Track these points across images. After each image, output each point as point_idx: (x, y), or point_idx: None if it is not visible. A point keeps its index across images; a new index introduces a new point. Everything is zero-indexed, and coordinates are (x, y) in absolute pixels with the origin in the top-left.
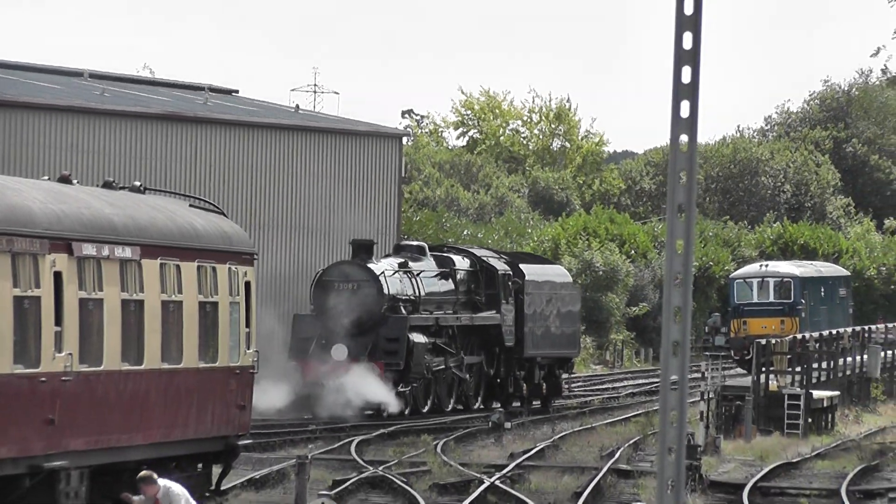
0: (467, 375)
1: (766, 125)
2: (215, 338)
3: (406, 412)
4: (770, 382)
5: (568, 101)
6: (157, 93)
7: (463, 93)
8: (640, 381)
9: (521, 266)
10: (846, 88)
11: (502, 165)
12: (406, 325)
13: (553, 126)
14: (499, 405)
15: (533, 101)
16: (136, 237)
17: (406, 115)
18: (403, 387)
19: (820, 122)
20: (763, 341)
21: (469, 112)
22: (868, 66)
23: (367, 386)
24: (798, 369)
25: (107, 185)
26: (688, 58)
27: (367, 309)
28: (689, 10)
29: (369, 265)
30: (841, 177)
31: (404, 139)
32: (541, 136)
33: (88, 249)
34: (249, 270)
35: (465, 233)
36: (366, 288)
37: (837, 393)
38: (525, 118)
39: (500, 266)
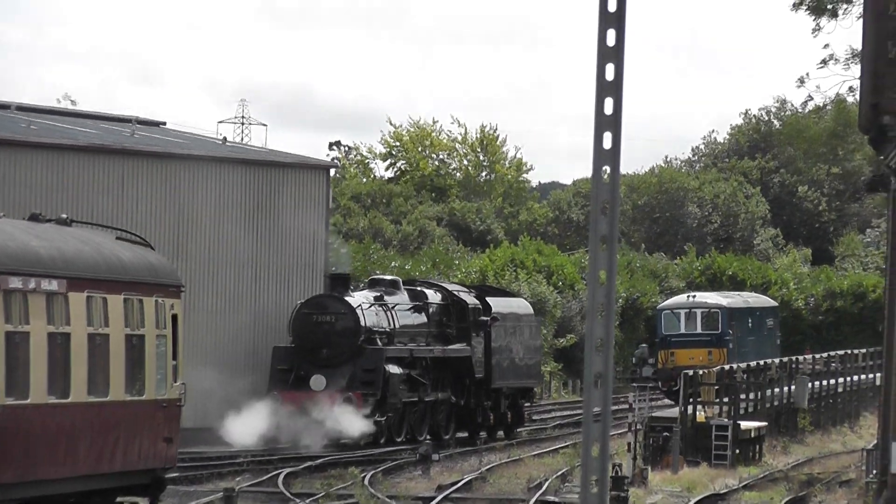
0: (439, 399)
1: (694, 156)
2: (142, 371)
3: (382, 441)
4: (697, 413)
5: (495, 130)
6: (84, 125)
7: (392, 124)
8: (568, 413)
9: (488, 299)
10: (766, 119)
11: (426, 196)
12: (382, 357)
13: (479, 156)
14: (467, 435)
15: (465, 132)
16: (62, 270)
17: (333, 147)
18: (380, 416)
19: (747, 152)
20: (690, 372)
21: (398, 143)
22: (782, 94)
23: (344, 416)
24: (725, 400)
25: (33, 218)
26: (610, 89)
27: (345, 340)
28: (611, 41)
29: (346, 298)
30: (769, 207)
31: (331, 171)
32: (470, 167)
33: (15, 282)
34: (176, 303)
35: (392, 264)
36: (343, 320)
37: (765, 423)
38: (450, 148)
39: (471, 300)
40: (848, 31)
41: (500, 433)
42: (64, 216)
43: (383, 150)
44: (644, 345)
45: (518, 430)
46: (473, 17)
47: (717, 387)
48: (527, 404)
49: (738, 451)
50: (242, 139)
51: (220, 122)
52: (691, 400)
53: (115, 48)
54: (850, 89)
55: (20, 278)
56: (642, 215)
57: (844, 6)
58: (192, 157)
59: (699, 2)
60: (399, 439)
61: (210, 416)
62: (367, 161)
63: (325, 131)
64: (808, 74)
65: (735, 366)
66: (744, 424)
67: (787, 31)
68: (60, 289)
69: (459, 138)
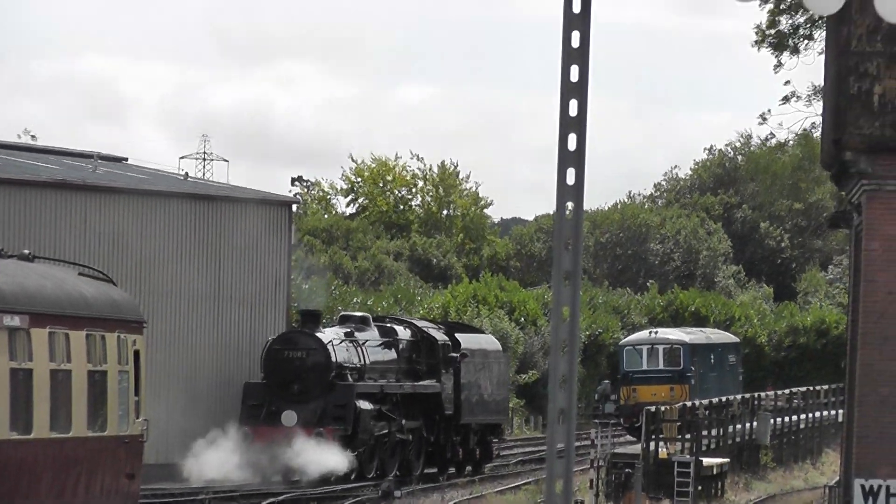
0: (409, 437)
1: (656, 191)
2: (104, 406)
3: (352, 476)
4: (660, 450)
5: (455, 165)
6: (46, 160)
7: (353, 160)
8: (530, 449)
9: (458, 335)
10: (731, 155)
11: (380, 230)
12: (353, 393)
13: (440, 192)
14: (436, 470)
15: (430, 169)
16: (24, 306)
17: (296, 182)
18: (351, 452)
19: (709, 188)
20: (653, 408)
21: (360, 179)
22: (748, 129)
23: (316, 451)
24: (688, 436)
25: None
26: (573, 125)
27: (316, 376)
28: (574, 77)
29: (317, 334)
30: (731, 244)
31: (294, 206)
32: (432, 203)
33: None
34: (139, 339)
35: (354, 300)
36: (314, 356)
37: (727, 460)
38: (411, 184)
39: (440, 337)
40: (810, 67)
41: (469, 469)
42: (26, 252)
43: (344, 186)
44: (606, 381)
45: (486, 465)
46: (431, 51)
47: (679, 423)
48: (495, 440)
49: (700, 487)
50: (204, 175)
51: (182, 157)
52: (653, 436)
53: (73, 82)
54: (813, 125)
55: None
56: (604, 252)
57: (806, 42)
58: (154, 193)
59: (660, 38)
60: (370, 475)
61: (172, 452)
62: (328, 197)
63: (284, 166)
64: (769, 111)
65: (697, 402)
66: (706, 461)
67: (751, 66)
68: (23, 324)
69: (420, 174)
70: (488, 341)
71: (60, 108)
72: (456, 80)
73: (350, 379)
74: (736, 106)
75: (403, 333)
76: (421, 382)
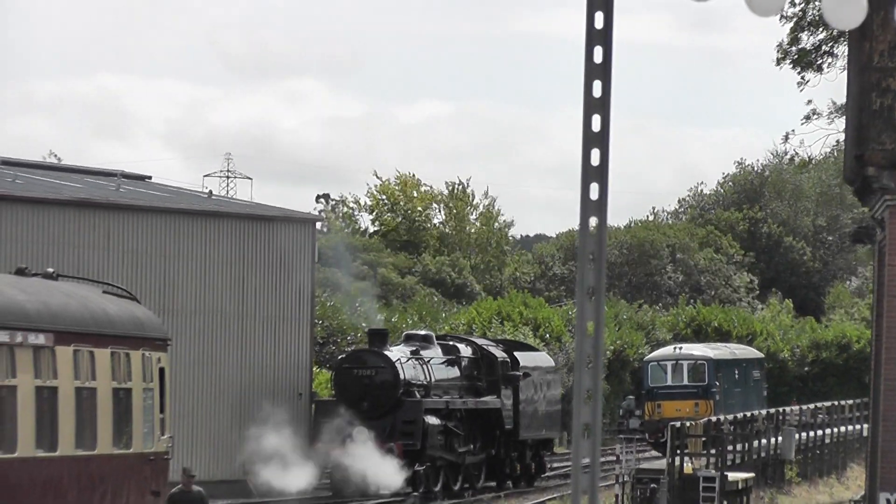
0: (472, 454)
1: (681, 207)
2: (129, 424)
3: (420, 490)
4: (685, 465)
5: (468, 183)
6: (70, 179)
7: (378, 177)
8: (555, 465)
9: (516, 353)
10: (760, 170)
11: (386, 250)
12: (421, 409)
13: (454, 211)
14: (495, 484)
15: (454, 189)
16: (49, 324)
17: (321, 200)
18: (419, 466)
19: (734, 203)
20: (677, 424)
21: (384, 196)
22: (781, 148)
23: (383, 467)
24: (713, 452)
25: (19, 272)
26: (596, 140)
27: (385, 393)
28: (597, 93)
29: (386, 352)
30: (756, 257)
31: (318, 224)
32: (453, 221)
33: (1, 337)
34: (163, 356)
35: (378, 318)
36: (383, 374)
37: (752, 475)
38: (430, 201)
39: (499, 354)
40: (832, 83)
41: (523, 483)
42: (50, 270)
43: (370, 203)
44: (631, 396)
45: (541, 477)
46: (440, 68)
47: (703, 438)
48: (547, 454)
49: (725, 502)
50: (228, 193)
51: (206, 175)
52: (678, 451)
53: (81, 100)
54: (837, 142)
55: (7, 332)
56: (619, 272)
57: (829, 59)
58: (177, 211)
59: (670, 54)
60: (436, 488)
61: (197, 468)
62: (352, 213)
63: (293, 183)
64: (793, 131)
65: (722, 417)
66: (731, 476)
67: (765, 82)
68: (47, 343)
69: (436, 191)
70: (544, 359)
71: (69, 127)
72: (466, 96)
73: (417, 395)
74: (748, 122)
75: (465, 351)
76: (482, 399)
